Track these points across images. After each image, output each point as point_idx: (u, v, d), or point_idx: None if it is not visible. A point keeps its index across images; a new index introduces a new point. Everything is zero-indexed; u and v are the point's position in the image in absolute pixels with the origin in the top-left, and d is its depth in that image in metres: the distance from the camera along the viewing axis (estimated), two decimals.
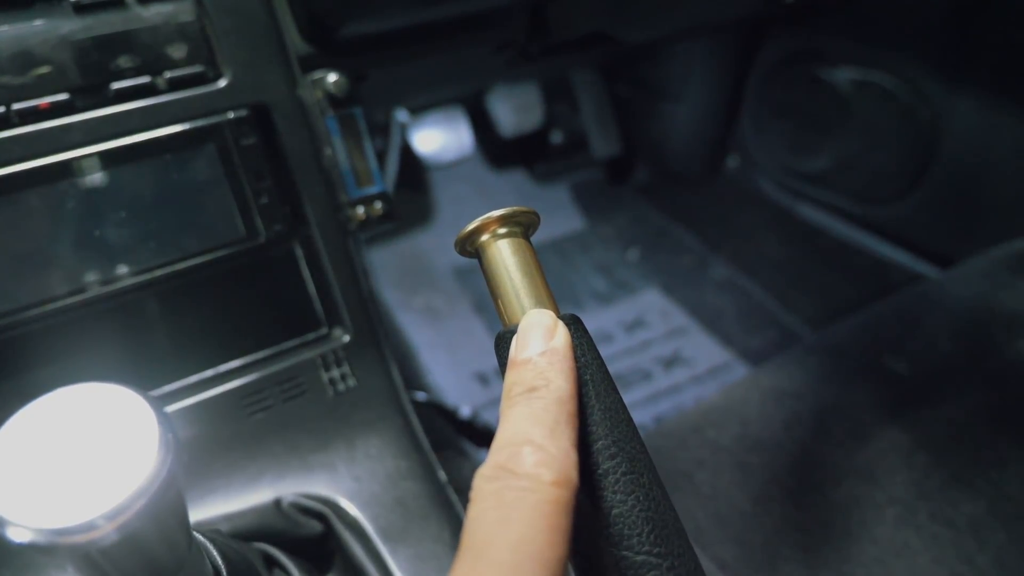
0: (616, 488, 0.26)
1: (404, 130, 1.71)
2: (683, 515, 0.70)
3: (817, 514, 0.70)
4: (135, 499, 0.24)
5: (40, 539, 0.23)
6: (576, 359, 0.28)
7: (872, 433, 0.76)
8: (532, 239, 0.32)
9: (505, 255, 0.30)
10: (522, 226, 0.31)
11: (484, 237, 0.31)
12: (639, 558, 0.25)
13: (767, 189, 1.65)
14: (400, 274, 1.72)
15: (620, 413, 0.28)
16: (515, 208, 0.31)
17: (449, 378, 1.46)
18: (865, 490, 0.72)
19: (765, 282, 1.59)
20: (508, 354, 0.29)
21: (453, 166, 1.83)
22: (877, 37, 1.25)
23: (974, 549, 0.66)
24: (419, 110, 1.73)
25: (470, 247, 0.31)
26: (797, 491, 0.72)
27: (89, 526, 0.23)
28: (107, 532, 0.24)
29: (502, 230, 0.30)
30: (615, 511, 0.26)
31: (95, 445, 0.26)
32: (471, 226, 0.30)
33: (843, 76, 1.32)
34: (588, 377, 0.28)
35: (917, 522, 0.69)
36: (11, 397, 0.53)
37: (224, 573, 0.34)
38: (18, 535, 0.23)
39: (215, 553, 0.35)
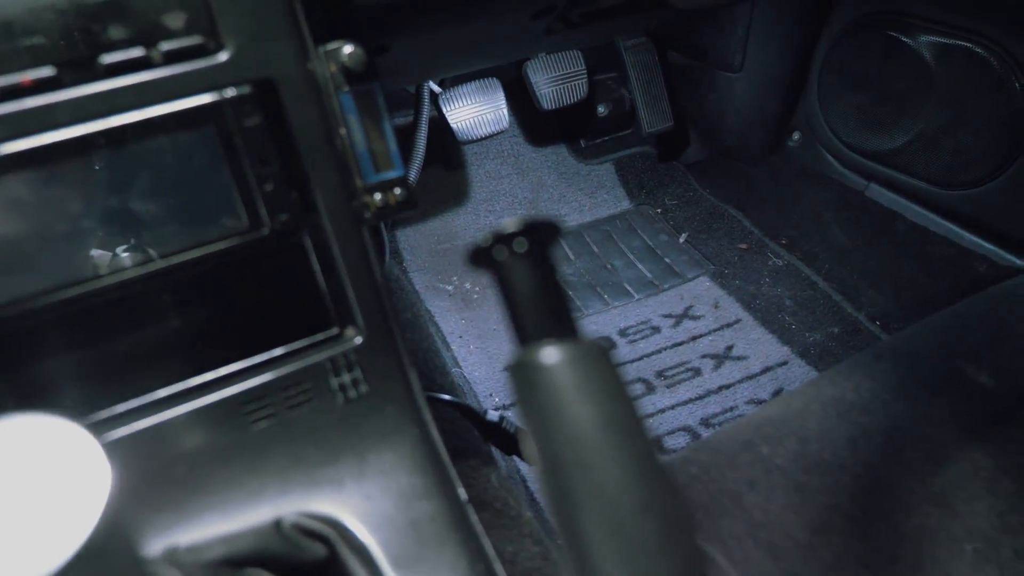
0: None
1: (435, 102, 1.64)
2: (731, 543, 0.64)
3: (884, 547, 0.63)
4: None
5: None
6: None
7: (950, 455, 0.69)
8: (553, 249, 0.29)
9: (521, 275, 0.28)
10: (541, 239, 0.28)
11: (498, 251, 0.29)
12: None
13: (834, 169, 1.53)
14: (429, 256, 1.66)
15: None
16: (533, 218, 0.28)
17: (480, 369, 1.41)
18: (940, 520, 0.65)
19: (829, 272, 1.48)
20: (521, 384, 0.27)
21: (488, 139, 1.75)
22: None
23: None
24: (452, 82, 1.66)
25: (482, 261, 0.29)
26: (862, 520, 0.65)
27: None
28: None
29: (519, 244, 0.28)
30: None
31: (26, 487, 0.24)
32: (483, 239, 0.29)
33: (926, 41, 1.21)
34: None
35: (1000, 559, 0.62)
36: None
37: None
38: None
39: None
